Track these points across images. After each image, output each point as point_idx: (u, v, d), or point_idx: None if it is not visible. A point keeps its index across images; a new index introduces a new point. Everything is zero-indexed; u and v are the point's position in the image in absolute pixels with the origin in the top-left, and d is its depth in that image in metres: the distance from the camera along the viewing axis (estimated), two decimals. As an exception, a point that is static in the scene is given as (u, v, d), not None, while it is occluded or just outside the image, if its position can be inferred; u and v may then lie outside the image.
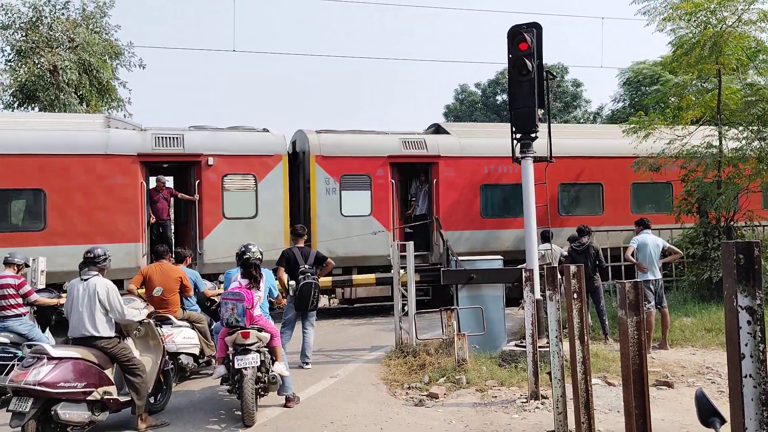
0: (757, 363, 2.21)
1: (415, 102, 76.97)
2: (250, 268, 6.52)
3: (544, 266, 6.28)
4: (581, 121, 35.32)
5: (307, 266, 8.24)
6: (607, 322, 9.34)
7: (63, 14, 18.82)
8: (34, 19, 18.26)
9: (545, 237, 10.62)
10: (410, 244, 8.69)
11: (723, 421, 2.21)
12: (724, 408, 2.29)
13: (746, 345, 2.21)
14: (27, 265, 8.09)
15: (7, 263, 7.66)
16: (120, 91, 20.05)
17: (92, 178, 11.00)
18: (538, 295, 7.22)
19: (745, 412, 2.20)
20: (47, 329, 8.06)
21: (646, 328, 8.21)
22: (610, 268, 11.37)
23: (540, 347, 6.59)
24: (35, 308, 7.94)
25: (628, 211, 13.69)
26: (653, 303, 8.71)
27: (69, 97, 17.52)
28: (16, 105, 18.38)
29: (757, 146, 10.98)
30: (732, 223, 11.59)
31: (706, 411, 2.23)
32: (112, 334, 5.85)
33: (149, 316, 6.60)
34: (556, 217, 13.37)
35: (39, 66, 17.44)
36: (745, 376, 2.21)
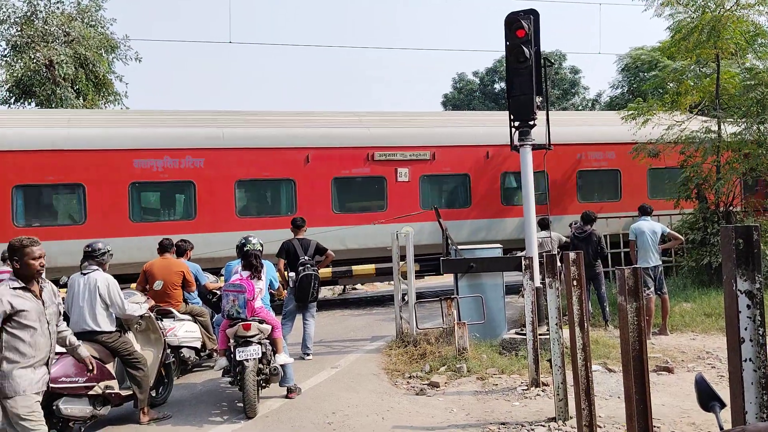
0: (757, 347, 2.20)
1: (413, 91, 76.79)
2: (250, 258, 6.52)
3: (544, 254, 6.28)
4: (579, 108, 35.24)
5: (307, 258, 8.24)
6: (607, 309, 9.36)
7: (58, 8, 18.73)
8: (29, 13, 18.18)
9: (544, 225, 10.61)
10: (410, 235, 8.68)
11: (723, 405, 2.21)
12: (724, 392, 2.29)
13: (746, 329, 2.21)
14: None
15: (5, 258, 7.64)
16: (117, 84, 20.00)
17: None
18: (537, 282, 7.22)
19: (745, 396, 2.20)
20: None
21: (646, 314, 8.23)
22: (609, 254, 11.37)
23: (540, 335, 6.60)
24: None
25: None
26: (653, 289, 8.72)
27: (65, 92, 17.47)
28: (12, 100, 18.33)
29: (756, 131, 10.95)
30: (731, 208, 11.58)
31: (705, 395, 2.23)
32: (113, 328, 5.85)
33: (151, 309, 6.60)
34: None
35: (35, 61, 17.38)
36: (745, 360, 2.21)
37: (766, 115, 10.78)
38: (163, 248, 8.00)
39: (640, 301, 3.32)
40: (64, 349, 5.42)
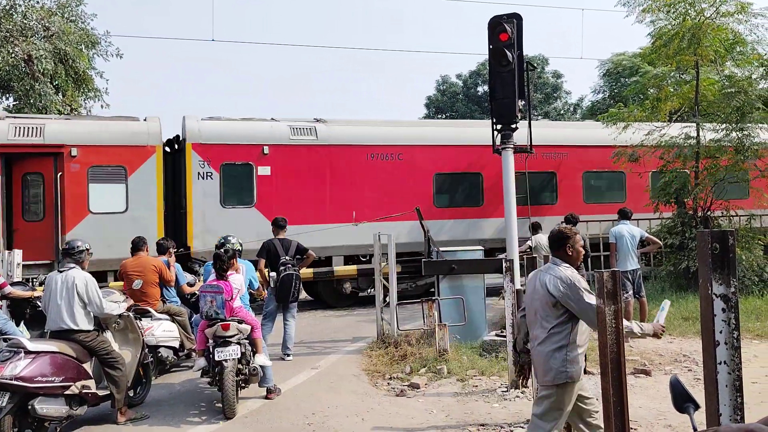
0: (731, 350, 2.24)
1: (396, 93, 76.78)
2: (216, 260, 6.45)
3: (524, 256, 6.32)
4: (561, 112, 35.53)
5: (287, 258, 8.21)
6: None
7: (38, 2, 18.46)
8: (7, 7, 17.88)
9: (535, 228, 10.70)
10: (391, 236, 8.68)
11: (697, 406, 2.24)
12: (701, 395, 2.32)
13: (721, 332, 2.24)
14: None
15: None
16: (97, 81, 19.75)
17: None
18: (518, 284, 7.26)
19: (720, 398, 2.23)
20: (21, 323, 7.94)
21: (625, 317, 8.30)
22: (590, 257, 11.47)
23: (520, 337, 6.63)
24: (9, 301, 7.82)
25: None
26: (631, 292, 8.81)
27: (44, 87, 17.21)
28: (-10, 95, 18.04)
29: (736, 137, 11.12)
30: (708, 212, 11.74)
31: (680, 397, 2.26)
32: (91, 327, 5.78)
33: (128, 309, 6.53)
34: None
35: (13, 55, 17.10)
36: (720, 363, 2.24)
37: (745, 122, 10.96)
38: (135, 246, 7.90)
39: (618, 304, 3.35)
40: (42, 348, 5.36)
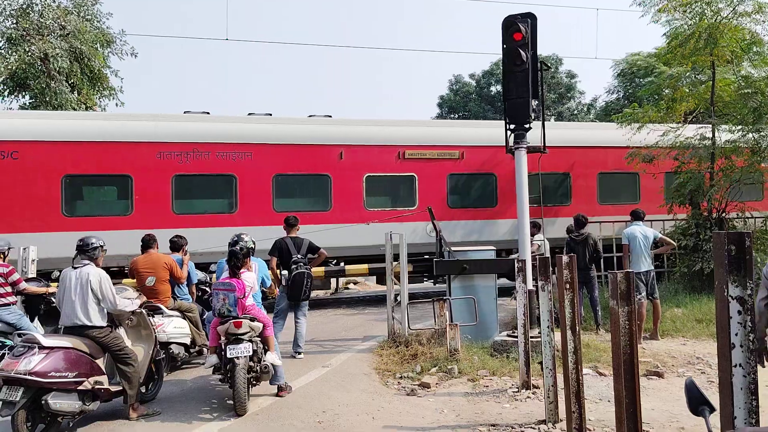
0: (747, 352, 2.21)
1: (409, 92, 76.76)
2: (231, 257, 6.47)
3: (537, 257, 6.29)
4: (575, 112, 35.35)
5: (299, 256, 8.23)
6: (599, 313, 9.38)
7: (54, 1, 18.64)
8: (24, 6, 18.08)
9: (537, 228, 10.65)
10: (402, 236, 8.68)
11: (712, 409, 2.22)
12: (713, 398, 2.30)
13: (736, 335, 2.22)
14: (10, 247, 7.97)
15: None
16: (112, 79, 19.93)
17: None
18: (530, 285, 7.23)
19: (735, 401, 2.21)
20: (36, 318, 8.02)
21: (638, 318, 8.25)
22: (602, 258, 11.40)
23: (532, 337, 6.61)
24: (24, 297, 7.89)
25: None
26: (644, 294, 8.74)
27: (60, 86, 17.38)
28: (6, 93, 18.24)
29: (752, 138, 11.01)
30: (723, 214, 11.63)
31: (695, 400, 2.24)
32: (104, 323, 5.83)
33: (141, 305, 6.57)
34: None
35: (30, 54, 17.28)
36: (735, 366, 2.22)
37: (762, 123, 10.85)
38: (146, 244, 7.94)
39: (632, 306, 3.33)
40: (56, 343, 5.41)
